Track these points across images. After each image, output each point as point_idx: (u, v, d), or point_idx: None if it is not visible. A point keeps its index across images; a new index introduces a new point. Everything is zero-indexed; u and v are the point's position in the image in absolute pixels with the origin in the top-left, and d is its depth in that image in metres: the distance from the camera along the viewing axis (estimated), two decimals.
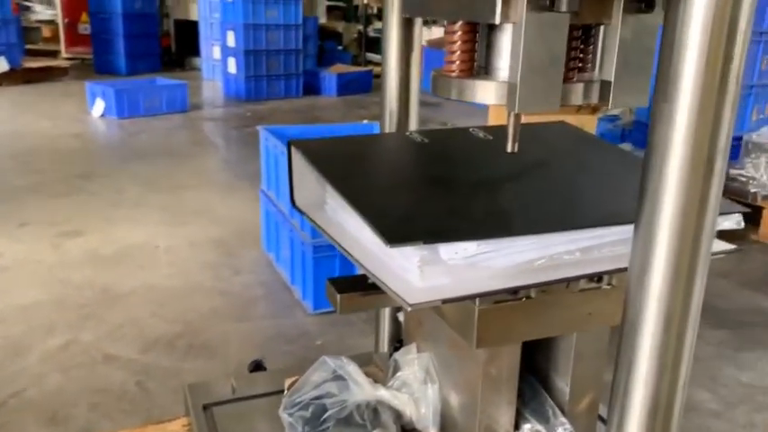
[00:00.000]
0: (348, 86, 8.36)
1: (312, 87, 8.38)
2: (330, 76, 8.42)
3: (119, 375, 2.30)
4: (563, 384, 1.19)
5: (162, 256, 3.34)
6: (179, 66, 10.13)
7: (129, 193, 4.34)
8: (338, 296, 1.15)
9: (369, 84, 8.62)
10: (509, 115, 0.94)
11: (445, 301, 0.94)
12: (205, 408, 1.50)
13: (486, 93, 0.89)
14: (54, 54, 10.59)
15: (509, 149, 0.97)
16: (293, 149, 1.29)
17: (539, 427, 1.16)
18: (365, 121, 4.28)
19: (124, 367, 2.35)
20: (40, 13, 11.50)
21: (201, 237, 3.59)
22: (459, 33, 0.91)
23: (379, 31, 6.73)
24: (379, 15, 10.01)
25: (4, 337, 2.50)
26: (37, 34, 11.65)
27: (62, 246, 3.43)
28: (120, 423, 2.02)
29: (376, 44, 10.07)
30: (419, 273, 0.94)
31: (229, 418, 1.47)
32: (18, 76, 8.28)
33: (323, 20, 10.91)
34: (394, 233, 0.94)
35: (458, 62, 0.92)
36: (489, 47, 0.91)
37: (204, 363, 2.40)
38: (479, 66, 0.93)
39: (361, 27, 11.12)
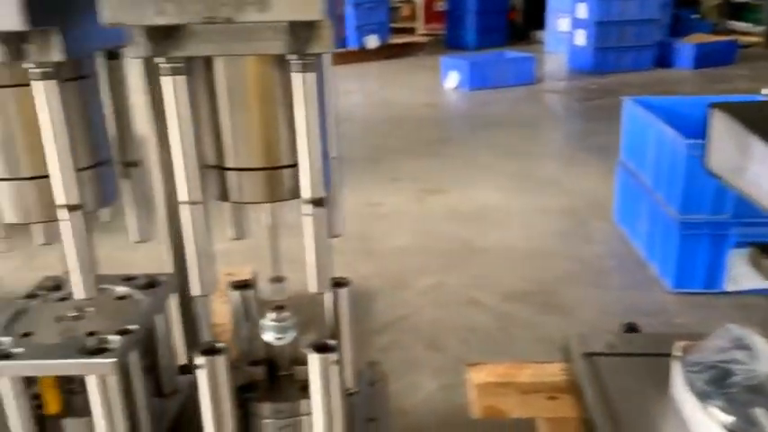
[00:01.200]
0: (706, 58, 7.63)
1: (663, 59, 7.84)
2: (685, 46, 7.77)
3: (483, 318, 2.54)
4: None
5: (515, 219, 3.54)
6: (523, 39, 10.36)
7: (481, 158, 4.66)
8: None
9: (731, 55, 7.75)
10: None
11: None
12: (585, 357, 1.59)
13: None
14: (412, 31, 11.71)
15: None
16: (716, 112, 1.28)
17: None
18: (765, 91, 3.88)
19: (487, 312, 2.58)
20: None
21: (550, 204, 3.70)
22: None
23: None
24: None
25: (388, 271, 2.94)
26: (397, 13, 13.02)
27: (426, 201, 3.85)
28: (488, 359, 2.23)
29: (742, 11, 8.97)
30: None
31: (610, 370, 1.54)
32: (383, 52, 9.38)
33: None
34: None
35: None
36: None
37: (560, 320, 2.51)
38: None
39: None
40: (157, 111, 1.52)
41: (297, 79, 0.97)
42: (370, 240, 3.25)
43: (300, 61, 0.96)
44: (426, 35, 11.27)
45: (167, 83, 0.98)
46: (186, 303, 1.68)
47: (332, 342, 1.15)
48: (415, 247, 3.22)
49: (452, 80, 7.13)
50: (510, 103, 6.46)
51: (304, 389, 1.24)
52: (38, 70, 0.98)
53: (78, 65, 1.11)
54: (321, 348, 1.14)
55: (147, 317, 1.32)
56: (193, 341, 1.75)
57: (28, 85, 1.04)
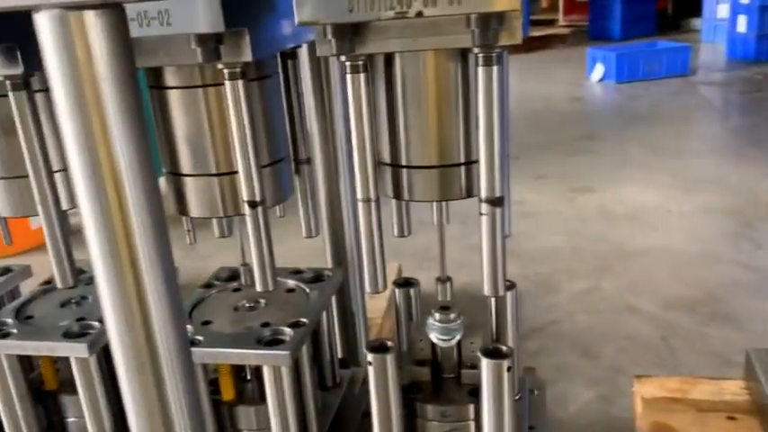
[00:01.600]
0: None
1: None
2: None
3: (643, 327, 2.38)
4: None
5: (674, 220, 3.30)
6: (674, 28, 9.70)
7: (632, 155, 4.40)
8: None
9: None
10: None
11: None
12: None
13: None
14: (551, 23, 11.35)
15: None
16: None
17: None
18: None
19: (647, 320, 2.42)
20: None
21: (714, 204, 3.42)
22: None
23: None
24: None
25: (536, 274, 2.84)
26: (536, 5, 12.66)
27: (575, 200, 3.69)
28: (647, 371, 2.09)
29: None
30: None
31: None
32: (522, 45, 9.05)
33: None
34: None
35: None
36: None
37: (730, 333, 2.30)
38: None
39: None
40: (324, 109, 1.56)
41: (482, 74, 0.93)
42: (515, 240, 3.16)
43: (486, 54, 0.92)
44: (567, 26, 10.88)
45: (349, 81, 0.98)
46: (343, 298, 1.71)
47: (506, 348, 1.11)
48: (564, 249, 3.09)
49: (598, 72, 6.81)
50: (662, 96, 6.06)
51: (471, 393, 1.21)
52: (229, 70, 1.01)
53: (262, 65, 1.14)
54: (493, 353, 1.10)
55: (315, 310, 1.34)
56: (349, 336, 1.78)
57: (217, 85, 1.09)
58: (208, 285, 1.47)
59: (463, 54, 1.00)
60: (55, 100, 0.70)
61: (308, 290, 1.41)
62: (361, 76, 0.97)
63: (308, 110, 1.54)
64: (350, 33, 0.91)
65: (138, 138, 0.73)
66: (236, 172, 1.11)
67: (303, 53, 1.48)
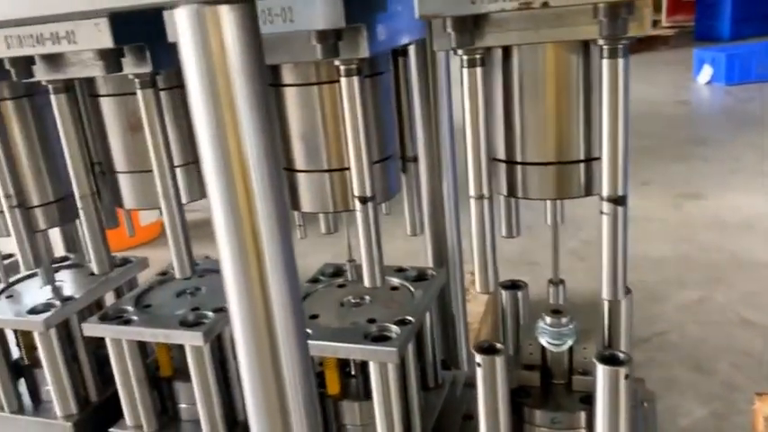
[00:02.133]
0: None
1: None
2: None
3: (759, 341, 2.23)
4: None
5: None
6: None
7: (746, 161, 4.14)
8: None
9: None
10: None
11: None
12: None
13: None
14: (654, 24, 10.89)
15: None
16: None
17: None
18: None
19: (764, 335, 2.26)
20: None
21: None
22: None
23: None
24: None
25: (640, 281, 2.72)
26: None
27: (683, 207, 3.51)
28: (765, 389, 1.95)
29: None
30: None
31: None
32: None
33: None
34: None
35: None
36: None
37: None
38: None
39: None
40: (429, 108, 1.55)
41: (607, 66, 0.89)
42: None
43: (612, 46, 0.88)
44: (671, 27, 10.41)
45: (466, 75, 0.96)
46: (444, 299, 1.70)
47: (623, 354, 1.06)
48: (672, 257, 2.94)
49: (705, 74, 6.47)
50: None
51: (583, 400, 1.17)
52: (346, 67, 1.02)
53: (375, 62, 1.14)
54: (610, 360, 1.05)
55: (420, 309, 1.33)
56: (448, 338, 1.76)
57: (331, 82, 1.10)
58: (314, 280, 1.49)
59: (585, 46, 0.96)
60: (189, 92, 0.73)
61: (412, 288, 1.41)
62: (478, 70, 0.96)
63: (414, 108, 1.53)
64: (470, 26, 0.90)
65: (266, 130, 0.75)
66: (347, 168, 1.12)
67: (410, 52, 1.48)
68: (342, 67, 1.03)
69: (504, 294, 1.32)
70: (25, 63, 1.13)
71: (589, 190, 1.04)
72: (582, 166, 1.03)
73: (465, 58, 0.96)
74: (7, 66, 1.13)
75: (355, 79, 1.03)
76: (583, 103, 0.99)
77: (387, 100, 1.21)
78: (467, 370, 1.77)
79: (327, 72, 1.10)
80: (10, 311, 1.53)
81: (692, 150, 4.46)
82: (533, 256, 2.66)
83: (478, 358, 1.10)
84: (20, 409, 1.59)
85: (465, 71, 0.96)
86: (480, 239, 1.05)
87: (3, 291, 1.64)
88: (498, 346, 1.12)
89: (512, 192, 1.08)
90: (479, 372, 1.11)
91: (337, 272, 1.51)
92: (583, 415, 1.15)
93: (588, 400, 1.13)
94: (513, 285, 1.33)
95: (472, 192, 1.04)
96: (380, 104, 1.18)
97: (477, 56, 0.95)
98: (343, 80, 1.04)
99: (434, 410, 1.41)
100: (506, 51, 0.99)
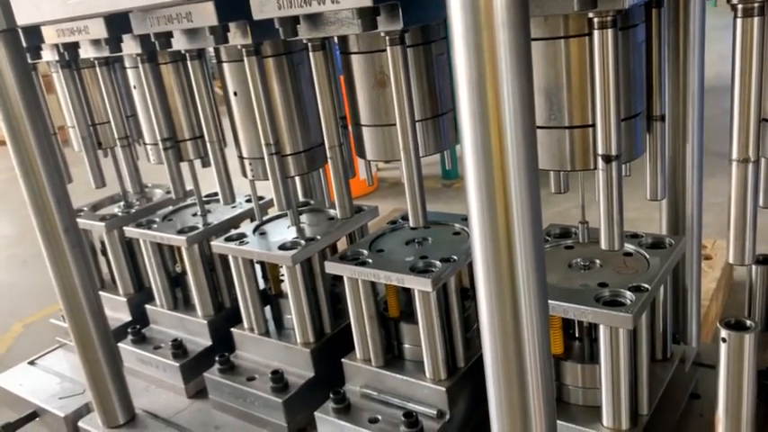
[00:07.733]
0: None
1: None
2: None
3: None
4: None
5: None
6: None
7: None
8: None
9: None
10: None
11: None
12: None
13: None
14: None
15: None
16: None
17: None
18: None
19: None
20: None
21: None
22: None
23: None
24: None
25: None
26: None
27: None
28: None
29: None
30: None
31: None
32: None
33: None
34: None
35: None
36: None
37: None
38: None
39: None
40: (678, 64, 1.44)
41: None
42: None
43: None
44: None
45: (739, 25, 0.88)
46: (677, 270, 1.59)
47: None
48: None
49: None
50: None
51: None
52: (600, 19, 0.98)
53: (629, 14, 1.08)
54: None
55: (657, 277, 1.27)
56: (678, 312, 1.65)
57: (580, 35, 1.07)
58: None
59: None
60: (454, 45, 0.75)
61: (647, 255, 1.34)
62: (755, 20, 0.87)
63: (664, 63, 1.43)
64: None
65: (525, 85, 0.76)
66: (591, 125, 1.08)
67: None
68: (596, 20, 0.99)
69: (756, 269, 1.21)
70: (292, 23, 1.25)
71: None
72: None
73: (740, 6, 0.87)
74: (276, 25, 1.26)
75: (609, 32, 0.99)
76: None
77: (638, 54, 1.15)
78: (695, 346, 1.66)
79: (577, 25, 1.07)
80: (263, 246, 1.73)
81: None
82: None
83: (724, 333, 1.03)
84: (266, 333, 1.80)
85: (739, 21, 0.88)
86: (740, 206, 0.97)
87: (256, 228, 1.85)
88: (748, 322, 1.03)
89: None
90: (723, 348, 1.04)
91: (564, 233, 1.49)
92: None
93: None
94: (766, 260, 1.22)
95: (735, 154, 0.96)
96: (632, 59, 1.12)
97: (756, 4, 0.86)
98: (596, 33, 1.00)
99: (662, 384, 1.34)
100: None
